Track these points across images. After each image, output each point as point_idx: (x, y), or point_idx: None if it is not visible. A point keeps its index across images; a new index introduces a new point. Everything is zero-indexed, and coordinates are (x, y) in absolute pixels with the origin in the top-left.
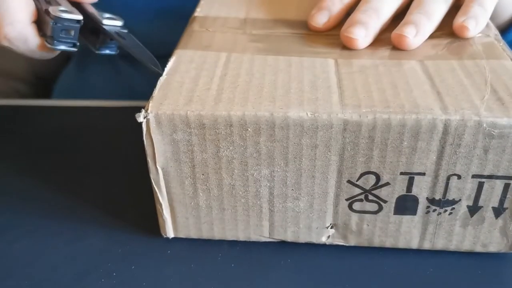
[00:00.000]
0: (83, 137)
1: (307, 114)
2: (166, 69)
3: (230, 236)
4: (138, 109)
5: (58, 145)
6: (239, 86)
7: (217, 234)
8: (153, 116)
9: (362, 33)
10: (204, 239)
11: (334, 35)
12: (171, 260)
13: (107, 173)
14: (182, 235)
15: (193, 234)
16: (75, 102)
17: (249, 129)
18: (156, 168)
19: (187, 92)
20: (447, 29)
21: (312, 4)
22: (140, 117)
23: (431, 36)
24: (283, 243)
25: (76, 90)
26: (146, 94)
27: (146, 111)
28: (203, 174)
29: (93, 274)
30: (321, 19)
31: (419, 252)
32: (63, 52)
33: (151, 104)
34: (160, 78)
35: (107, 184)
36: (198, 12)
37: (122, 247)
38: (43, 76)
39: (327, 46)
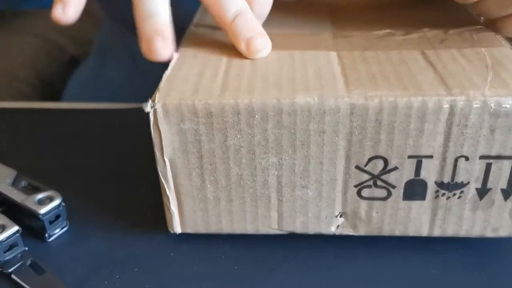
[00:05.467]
0: (87, 139)
1: (314, 99)
2: (171, 65)
3: (238, 229)
4: (139, 111)
5: (60, 147)
6: (244, 77)
7: (225, 227)
8: (161, 105)
9: None
10: (206, 241)
11: (336, 35)
12: (174, 262)
13: (110, 175)
14: (189, 230)
15: (201, 228)
16: (80, 104)
17: (256, 116)
18: (164, 160)
19: (193, 84)
20: (447, 23)
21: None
22: (148, 107)
23: (430, 28)
24: (288, 243)
25: (92, 88)
26: None
27: (153, 101)
28: (210, 165)
29: (95, 277)
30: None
31: (426, 249)
32: (66, 55)
33: (158, 94)
34: (165, 72)
35: (108, 186)
36: (198, 18)
37: (125, 249)
38: (47, 79)
39: (328, 41)
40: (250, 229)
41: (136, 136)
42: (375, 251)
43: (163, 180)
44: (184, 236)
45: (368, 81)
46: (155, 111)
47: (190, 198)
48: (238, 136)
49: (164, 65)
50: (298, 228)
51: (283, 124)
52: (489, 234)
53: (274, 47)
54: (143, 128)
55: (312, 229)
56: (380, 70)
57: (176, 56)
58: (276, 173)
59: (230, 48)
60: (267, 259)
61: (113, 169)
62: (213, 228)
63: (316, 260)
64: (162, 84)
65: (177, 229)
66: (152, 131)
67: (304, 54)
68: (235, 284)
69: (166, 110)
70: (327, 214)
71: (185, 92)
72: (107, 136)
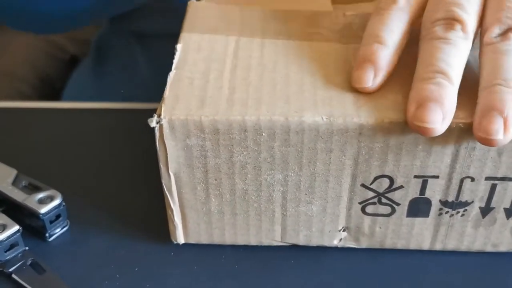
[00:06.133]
0: (87, 138)
1: (322, 118)
2: (175, 62)
3: (241, 241)
4: (148, 112)
5: (60, 146)
6: (251, 84)
7: (228, 239)
8: (167, 121)
9: (439, 116)
10: None
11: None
12: (174, 263)
13: (110, 174)
14: (192, 240)
15: (204, 240)
16: (80, 104)
17: (263, 134)
18: (169, 173)
19: (199, 92)
20: None
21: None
22: (153, 122)
23: None
24: (287, 245)
25: (92, 87)
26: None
27: (159, 116)
28: (215, 180)
29: (96, 276)
30: (367, 78)
31: (428, 252)
32: (66, 54)
33: (164, 109)
34: (170, 73)
35: (109, 185)
36: None
37: (125, 248)
38: (47, 78)
39: (336, 26)
40: (253, 241)
41: (137, 136)
42: (376, 252)
43: (167, 193)
44: None
45: (378, 94)
46: (161, 127)
47: (194, 211)
48: (244, 153)
49: (165, 66)
50: (301, 241)
51: (290, 143)
52: (489, 249)
53: (283, 31)
54: (143, 128)
55: (315, 242)
56: (391, 78)
57: (179, 48)
58: (281, 189)
59: (235, 34)
60: (267, 259)
61: (114, 168)
62: (216, 240)
63: (316, 259)
64: (167, 92)
65: (180, 240)
66: (157, 145)
67: (312, 47)
68: (235, 284)
69: (172, 126)
70: (331, 229)
71: (191, 103)
72: (107, 136)
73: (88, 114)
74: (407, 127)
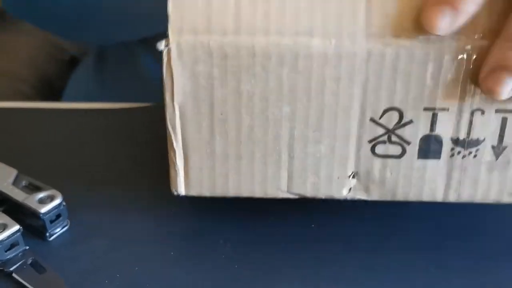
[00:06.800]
0: (87, 138)
1: (330, 42)
2: None
3: (245, 192)
4: (147, 111)
5: (60, 146)
6: (259, 1)
7: (231, 189)
8: (175, 46)
9: (509, 87)
10: (207, 240)
11: None
12: (175, 262)
13: (110, 174)
14: (193, 192)
15: (206, 190)
16: (80, 104)
17: (272, 59)
18: (173, 105)
19: (204, 9)
20: None
21: None
22: (162, 46)
23: None
24: (288, 242)
25: (92, 87)
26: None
27: (167, 41)
28: (221, 114)
29: (96, 276)
30: (443, 21)
31: (424, 248)
32: (66, 54)
33: (171, 33)
34: None
35: (109, 185)
36: None
37: (126, 248)
38: (47, 78)
39: None
40: (258, 192)
41: (137, 136)
42: (375, 252)
43: (171, 130)
44: (184, 235)
45: (393, 21)
46: (169, 51)
47: (197, 154)
48: (252, 82)
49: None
50: (309, 191)
51: (298, 69)
52: (506, 199)
53: None
54: (143, 128)
55: (323, 192)
56: (410, 7)
57: None
58: (288, 125)
59: None
60: (267, 259)
61: (114, 168)
62: (219, 190)
63: (315, 260)
64: (170, 10)
65: (181, 189)
66: (164, 71)
67: None
68: (235, 284)
69: (180, 50)
70: (339, 175)
71: (197, 23)
72: (107, 136)
73: (88, 114)
74: (415, 51)
